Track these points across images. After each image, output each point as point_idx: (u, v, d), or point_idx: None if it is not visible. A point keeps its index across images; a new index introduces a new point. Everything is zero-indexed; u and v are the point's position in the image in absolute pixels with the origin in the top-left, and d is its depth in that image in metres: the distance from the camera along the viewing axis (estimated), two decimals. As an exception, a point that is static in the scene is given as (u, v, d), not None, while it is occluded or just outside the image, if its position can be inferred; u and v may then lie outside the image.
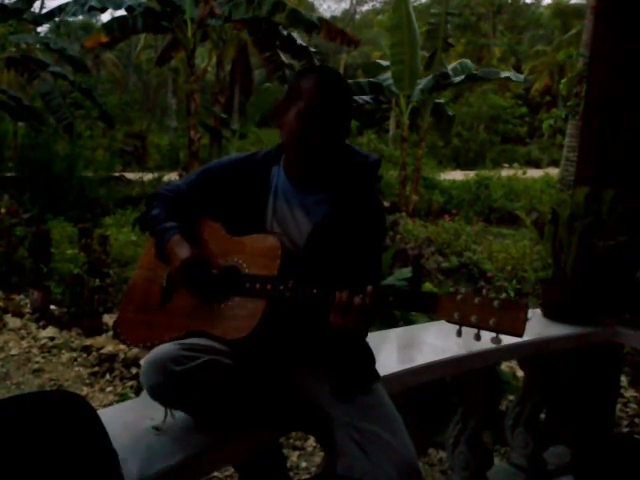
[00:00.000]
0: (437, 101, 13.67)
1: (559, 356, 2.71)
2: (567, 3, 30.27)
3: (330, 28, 12.17)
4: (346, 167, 1.57)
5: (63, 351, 4.65)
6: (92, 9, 11.12)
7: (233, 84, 15.44)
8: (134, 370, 4.26)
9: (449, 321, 1.23)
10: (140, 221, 1.72)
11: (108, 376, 4.27)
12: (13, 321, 5.15)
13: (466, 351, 2.16)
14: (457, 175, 17.30)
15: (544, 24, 34.08)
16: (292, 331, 1.50)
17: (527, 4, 37.55)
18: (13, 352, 4.58)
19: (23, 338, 4.87)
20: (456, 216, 10.86)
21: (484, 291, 1.23)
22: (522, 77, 15.84)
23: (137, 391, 3.93)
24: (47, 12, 12.17)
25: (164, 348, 1.41)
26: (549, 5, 34.44)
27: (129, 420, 1.56)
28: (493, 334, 1.18)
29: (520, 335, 1.16)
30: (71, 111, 11.71)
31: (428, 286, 4.76)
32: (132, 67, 28.16)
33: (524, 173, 17.55)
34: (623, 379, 4.04)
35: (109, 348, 4.53)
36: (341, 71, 28.62)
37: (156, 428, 1.49)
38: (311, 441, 3.31)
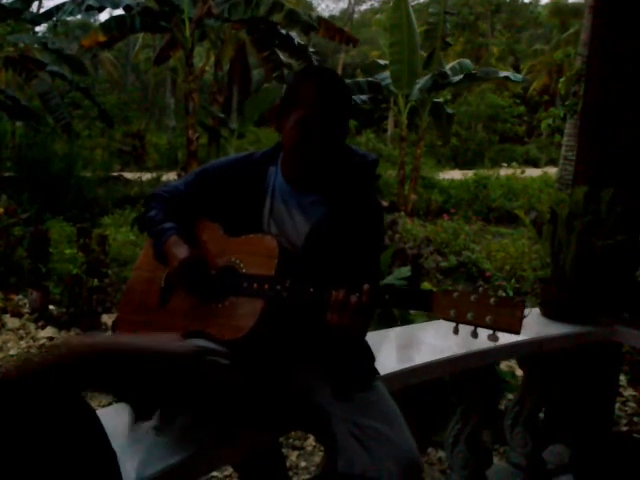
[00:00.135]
0: (436, 100, 13.68)
1: (558, 355, 2.71)
2: (565, 2, 30.31)
3: (329, 27, 12.17)
4: (344, 167, 1.57)
5: (62, 351, 4.64)
6: (90, 8, 11.09)
7: (231, 83, 15.46)
8: (133, 370, 4.25)
9: (445, 318, 1.23)
10: (138, 221, 1.73)
11: (107, 376, 4.26)
12: (12, 321, 5.15)
13: (465, 350, 2.16)
14: (456, 174, 17.31)
15: (542, 23, 34.14)
16: (290, 330, 1.50)
17: (525, 3, 37.66)
18: (12, 352, 4.58)
19: (22, 338, 4.86)
20: (455, 215, 10.87)
21: (480, 289, 1.23)
22: (520, 77, 15.84)
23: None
24: (45, 12, 12.14)
25: None
26: (547, 4, 34.49)
27: (128, 420, 1.56)
28: (490, 331, 1.18)
29: (517, 332, 1.16)
30: (69, 111, 11.72)
31: (427, 285, 4.77)
32: (130, 67, 28.13)
33: (522, 172, 17.56)
34: (622, 378, 4.04)
35: (108, 348, 4.52)
36: (339, 70, 28.66)
37: (155, 428, 1.49)
38: (310, 440, 3.31)
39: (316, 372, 1.53)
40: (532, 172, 18.44)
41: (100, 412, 1.33)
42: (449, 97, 17.78)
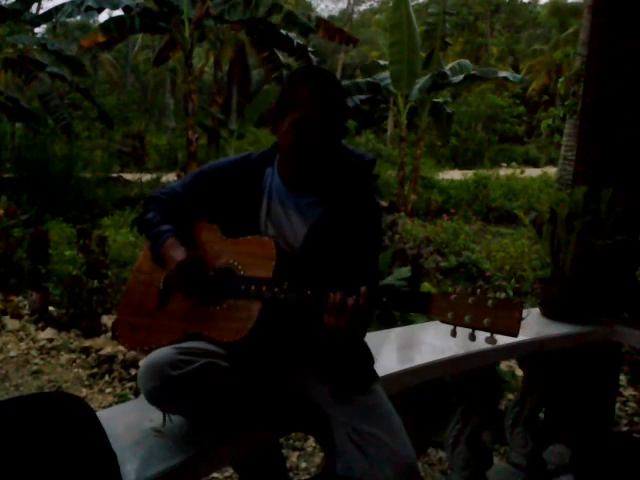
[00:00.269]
0: (435, 100, 13.68)
1: (558, 355, 2.71)
2: (564, 2, 30.31)
3: (328, 27, 12.17)
4: (341, 167, 1.56)
5: (62, 352, 4.65)
6: (89, 9, 11.10)
7: (231, 84, 15.46)
8: (133, 371, 4.26)
9: (443, 321, 1.22)
10: (137, 223, 1.72)
11: (107, 377, 4.26)
12: (12, 323, 5.15)
13: (465, 351, 2.16)
14: (455, 174, 17.31)
15: (541, 23, 34.14)
16: (289, 332, 1.50)
17: (524, 3, 37.65)
18: (12, 354, 4.58)
19: (22, 340, 4.86)
20: (454, 215, 10.87)
21: (478, 290, 1.22)
22: (519, 77, 15.85)
23: (136, 392, 3.93)
24: (44, 13, 12.14)
25: (160, 352, 1.41)
26: (546, 4, 34.50)
27: (128, 421, 1.56)
28: (488, 334, 1.17)
29: (515, 335, 1.15)
30: (69, 112, 11.72)
31: (427, 286, 4.77)
32: (130, 67, 28.12)
33: (522, 172, 17.56)
34: (622, 378, 4.04)
35: (108, 349, 4.52)
36: (339, 70, 28.66)
37: (155, 430, 1.49)
38: (311, 441, 3.31)
39: (315, 374, 1.53)
40: (532, 172, 18.44)
41: (100, 413, 1.33)
42: (449, 97, 17.78)
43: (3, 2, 11.37)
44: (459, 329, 1.21)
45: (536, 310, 2.80)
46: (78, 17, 13.53)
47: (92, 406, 1.20)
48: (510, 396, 3.52)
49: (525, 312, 1.16)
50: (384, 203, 12.92)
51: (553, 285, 2.78)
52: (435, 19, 13.19)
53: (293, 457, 3.19)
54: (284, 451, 3.14)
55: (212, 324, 1.48)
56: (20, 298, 5.70)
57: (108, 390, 4.09)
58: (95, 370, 4.36)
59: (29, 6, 11.84)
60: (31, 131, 11.98)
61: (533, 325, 2.61)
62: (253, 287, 1.44)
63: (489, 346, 2.10)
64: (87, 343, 4.71)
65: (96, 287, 5.26)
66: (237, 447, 1.56)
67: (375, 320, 2.99)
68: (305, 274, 1.43)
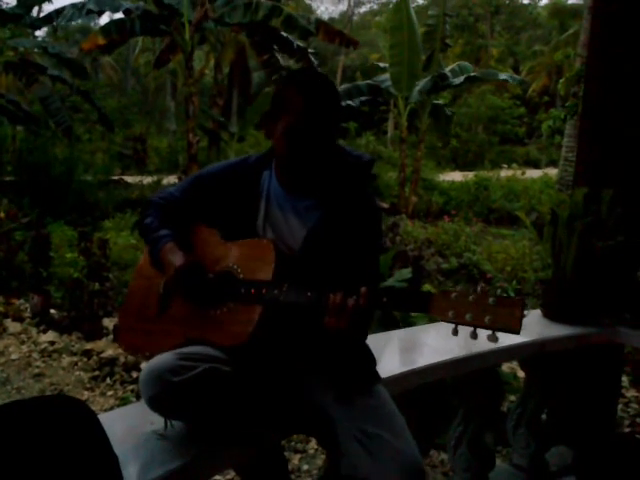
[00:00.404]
0: (435, 102, 13.69)
1: (560, 356, 2.71)
2: (564, 3, 30.31)
3: (328, 29, 12.18)
4: (339, 169, 1.55)
5: (63, 355, 4.65)
6: (90, 12, 11.13)
7: (231, 87, 15.47)
8: (135, 374, 4.25)
9: (444, 320, 1.21)
10: (137, 228, 1.72)
11: (109, 380, 4.26)
12: (13, 326, 5.15)
13: (467, 352, 2.16)
14: (456, 176, 17.30)
15: (541, 24, 34.15)
16: (290, 334, 1.50)
17: (524, 5, 37.68)
18: (13, 357, 4.58)
19: (23, 343, 4.86)
20: (455, 217, 10.85)
21: (479, 288, 1.21)
22: (519, 78, 15.85)
23: (138, 395, 3.93)
24: (45, 16, 12.18)
25: (161, 358, 1.40)
26: (546, 5, 34.54)
27: (130, 424, 1.56)
28: (489, 332, 1.16)
29: (516, 332, 1.14)
30: (70, 115, 11.74)
31: (428, 287, 4.77)
32: (130, 70, 28.17)
33: (523, 173, 17.54)
34: (624, 379, 4.04)
35: (109, 352, 4.52)
36: (339, 73, 28.68)
37: (157, 432, 1.49)
38: (313, 444, 3.30)
39: (317, 376, 1.53)
40: (532, 173, 18.42)
41: (102, 417, 1.33)
42: (449, 99, 17.79)
43: (4, 6, 11.37)
44: (461, 329, 1.20)
45: (537, 311, 2.80)
46: (79, 20, 13.53)
47: (94, 409, 1.19)
48: (512, 398, 3.52)
49: (525, 312, 1.16)
50: (385, 205, 12.92)
51: (554, 286, 2.78)
52: (435, 21, 13.20)
53: (295, 459, 3.18)
54: (286, 453, 3.13)
55: (213, 328, 1.48)
56: (21, 301, 5.71)
57: (110, 393, 4.09)
58: (97, 373, 4.35)
59: (30, 9, 11.87)
60: (32, 134, 12.00)
61: (535, 326, 2.60)
62: (253, 290, 1.43)
63: (490, 348, 2.11)
64: (89, 346, 4.71)
65: (97, 290, 5.26)
66: (239, 450, 1.56)
67: (376, 322, 2.98)
68: (305, 276, 1.43)
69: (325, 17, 37.99)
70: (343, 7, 42.43)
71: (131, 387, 4.13)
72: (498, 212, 13.03)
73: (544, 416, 2.83)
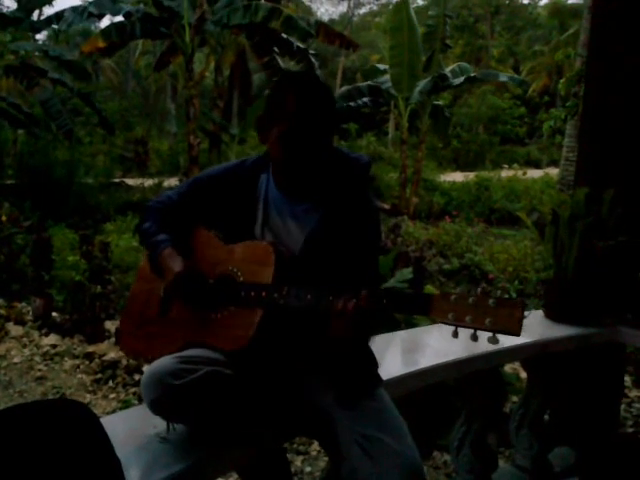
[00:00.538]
0: (435, 103, 13.70)
1: (562, 357, 2.71)
2: (564, 3, 30.31)
3: (328, 32, 12.17)
4: (337, 171, 1.55)
5: (65, 358, 4.65)
6: (90, 16, 11.14)
7: (232, 89, 15.48)
8: (137, 376, 4.25)
9: (444, 322, 1.20)
10: (137, 233, 1.72)
11: (111, 383, 4.26)
12: (15, 329, 5.15)
13: (469, 354, 2.16)
14: (457, 176, 17.31)
15: (542, 24, 34.16)
16: (291, 337, 1.50)
17: (524, 5, 37.69)
18: (15, 360, 4.58)
19: (25, 346, 4.87)
20: (457, 218, 10.84)
21: (479, 289, 1.21)
22: (519, 79, 15.83)
23: (140, 398, 3.92)
24: (45, 18, 12.19)
25: (162, 362, 1.40)
26: (546, 5, 34.53)
27: (132, 427, 1.56)
28: (490, 333, 1.16)
29: (517, 334, 1.13)
30: (71, 118, 11.74)
31: (429, 288, 4.76)
32: (131, 73, 28.19)
33: (524, 174, 17.54)
34: (627, 379, 4.03)
35: (111, 355, 4.52)
36: (340, 74, 28.69)
37: (159, 435, 1.49)
38: (315, 446, 3.30)
39: (319, 378, 1.53)
40: (533, 173, 18.42)
41: (104, 420, 1.33)
42: (449, 99, 17.81)
43: (5, 9, 11.40)
44: (462, 331, 1.20)
45: (539, 312, 2.79)
46: (80, 24, 13.55)
47: (96, 412, 1.20)
48: (515, 398, 3.51)
49: (525, 313, 1.15)
50: (386, 206, 12.93)
51: (556, 287, 2.77)
52: (435, 21, 13.20)
53: (297, 461, 3.18)
54: (288, 455, 3.13)
55: (213, 332, 1.48)
56: (23, 304, 5.71)
57: (112, 396, 4.09)
58: (99, 376, 4.36)
59: (30, 13, 11.89)
60: (33, 137, 12.01)
61: (537, 327, 2.60)
62: (253, 293, 1.43)
63: (493, 349, 2.10)
64: (90, 349, 4.72)
65: (99, 292, 5.27)
66: (241, 452, 1.56)
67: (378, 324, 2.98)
68: (305, 279, 1.42)
69: (325, 18, 38.11)
70: (343, 8, 42.51)
71: (133, 390, 4.13)
72: (499, 212, 13.03)
73: (547, 417, 2.83)
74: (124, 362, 4.42)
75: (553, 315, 2.71)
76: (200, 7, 10.94)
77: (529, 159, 25.95)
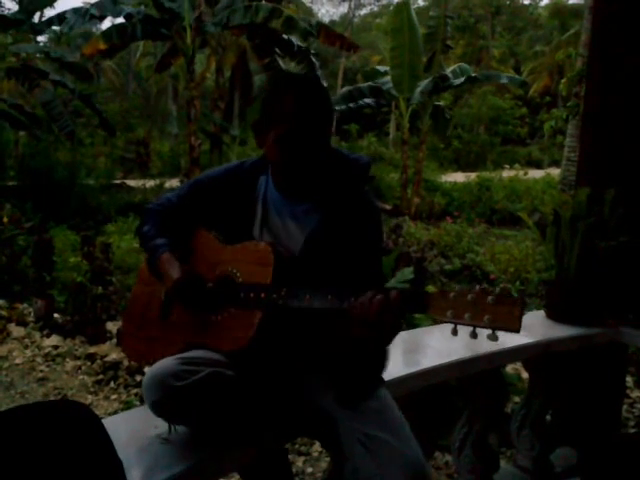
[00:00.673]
0: (436, 103, 13.70)
1: (564, 357, 2.70)
2: (565, 3, 30.32)
3: (329, 33, 12.18)
4: (336, 172, 1.54)
5: (67, 359, 4.65)
6: (92, 18, 11.17)
7: (233, 90, 15.47)
8: (138, 378, 4.25)
9: (442, 320, 1.19)
10: (136, 236, 1.73)
11: (112, 384, 4.26)
12: (17, 330, 5.16)
13: (470, 354, 2.15)
14: (458, 177, 17.30)
15: (542, 25, 34.16)
16: (292, 338, 1.50)
17: (525, 5, 37.70)
18: (17, 361, 4.59)
19: (27, 347, 4.87)
20: (458, 218, 10.83)
21: (477, 286, 1.19)
22: (520, 79, 15.81)
23: (142, 399, 3.92)
24: (46, 20, 12.21)
25: (164, 363, 1.40)
26: (547, 6, 34.54)
27: (134, 428, 1.56)
28: (489, 331, 1.14)
29: (516, 331, 1.11)
30: (72, 119, 11.75)
31: (430, 289, 4.76)
32: (132, 74, 28.20)
33: (525, 174, 17.53)
34: (628, 379, 4.02)
35: (113, 356, 4.52)
36: (340, 75, 28.69)
37: (161, 436, 1.49)
38: (317, 446, 3.30)
39: (321, 378, 1.52)
40: (535, 173, 18.40)
41: (106, 421, 1.33)
42: (450, 100, 17.81)
43: (6, 11, 11.42)
44: (461, 328, 1.18)
45: (541, 312, 2.79)
46: (81, 26, 13.56)
47: (97, 413, 1.20)
48: (516, 399, 3.51)
49: (525, 311, 1.14)
50: (387, 206, 12.93)
51: (558, 287, 2.77)
52: (436, 22, 13.22)
53: (299, 462, 3.18)
54: (290, 456, 3.13)
55: (214, 334, 1.48)
56: (25, 305, 5.72)
57: (113, 397, 4.09)
58: (100, 377, 4.36)
59: (31, 15, 11.90)
60: (34, 139, 12.03)
61: (538, 327, 2.60)
62: (252, 294, 1.43)
63: (494, 349, 2.10)
64: (92, 350, 4.72)
65: (100, 294, 5.27)
66: (242, 453, 1.56)
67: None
68: (305, 280, 1.42)
69: (326, 19, 38.14)
70: (344, 9, 42.44)
71: (135, 391, 4.13)
72: (501, 213, 13.02)
73: (548, 417, 2.82)
74: (126, 363, 4.42)
75: (555, 315, 2.71)
76: (199, 8, 10.95)
77: (530, 159, 25.94)
